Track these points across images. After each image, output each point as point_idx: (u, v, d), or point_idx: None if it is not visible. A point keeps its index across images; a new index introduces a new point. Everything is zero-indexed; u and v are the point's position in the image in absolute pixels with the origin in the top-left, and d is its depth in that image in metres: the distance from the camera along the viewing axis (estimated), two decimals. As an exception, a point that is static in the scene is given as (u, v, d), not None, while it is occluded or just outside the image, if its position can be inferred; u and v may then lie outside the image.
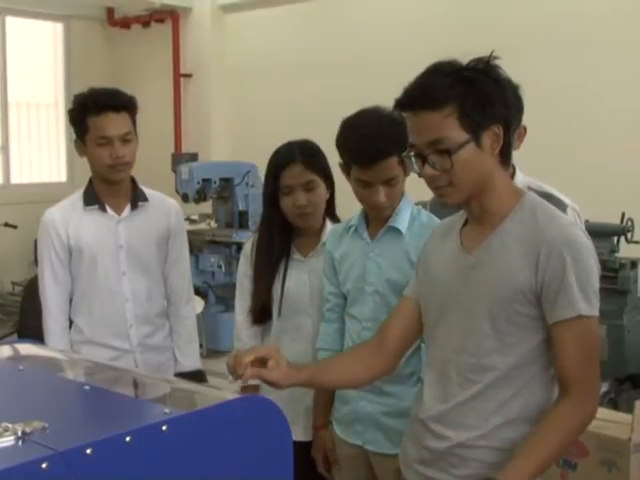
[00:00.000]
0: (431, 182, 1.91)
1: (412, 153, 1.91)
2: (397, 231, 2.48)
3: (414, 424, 2.09)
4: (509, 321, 1.87)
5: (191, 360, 3.14)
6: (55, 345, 2.86)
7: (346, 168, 2.47)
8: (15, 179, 8.60)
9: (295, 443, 1.47)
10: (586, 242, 1.86)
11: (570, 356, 1.82)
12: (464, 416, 1.93)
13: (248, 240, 2.93)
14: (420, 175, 1.92)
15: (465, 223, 2.03)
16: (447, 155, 1.83)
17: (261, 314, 2.80)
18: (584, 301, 1.81)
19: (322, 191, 2.72)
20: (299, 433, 2.66)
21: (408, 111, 1.90)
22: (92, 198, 2.98)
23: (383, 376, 2.25)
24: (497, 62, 1.91)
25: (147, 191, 3.08)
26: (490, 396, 1.90)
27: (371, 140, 2.34)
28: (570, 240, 1.84)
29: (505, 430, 1.90)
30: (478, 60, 1.89)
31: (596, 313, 1.85)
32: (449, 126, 1.83)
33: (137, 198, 3.02)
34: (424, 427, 2.02)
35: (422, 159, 1.88)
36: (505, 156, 1.92)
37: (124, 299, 2.98)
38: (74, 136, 2.98)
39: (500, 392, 1.89)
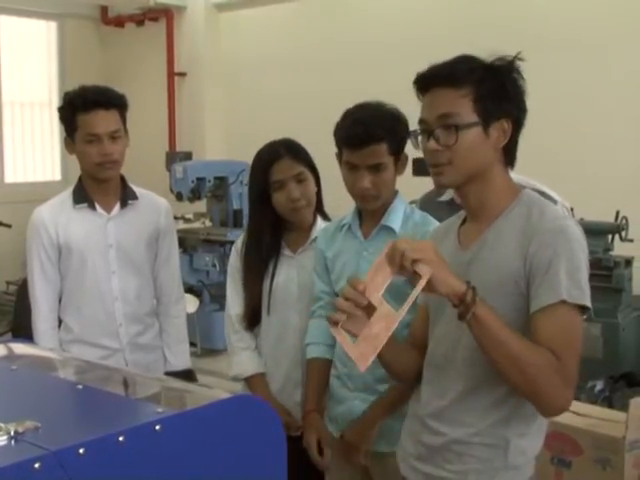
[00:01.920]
0: (432, 158, 1.92)
1: (420, 130, 1.94)
2: (390, 230, 2.48)
3: (411, 420, 2.10)
4: (503, 314, 1.86)
5: (181, 359, 3.14)
6: (44, 344, 2.85)
7: (339, 154, 2.49)
8: (9, 178, 8.59)
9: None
10: (578, 235, 1.85)
11: (554, 340, 1.76)
12: (460, 413, 1.94)
13: (240, 235, 2.94)
14: (423, 151, 1.94)
15: (463, 222, 2.05)
16: (454, 130, 1.86)
17: (253, 318, 2.80)
18: (574, 288, 1.78)
19: (312, 183, 2.74)
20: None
21: (426, 87, 1.92)
22: (81, 196, 2.97)
23: None
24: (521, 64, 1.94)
25: (137, 189, 3.07)
26: (485, 393, 1.91)
27: (363, 123, 2.39)
28: (561, 231, 1.83)
29: (499, 428, 1.91)
30: (502, 58, 1.93)
31: (585, 302, 1.79)
32: (462, 105, 1.87)
33: (127, 196, 3.01)
34: (421, 423, 2.03)
35: (428, 135, 1.91)
36: (509, 154, 1.95)
37: (113, 298, 2.98)
38: (65, 134, 2.98)
39: (494, 389, 1.90)
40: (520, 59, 1.93)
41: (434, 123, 1.89)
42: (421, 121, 1.94)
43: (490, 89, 1.88)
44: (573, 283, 1.79)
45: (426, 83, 1.93)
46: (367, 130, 2.37)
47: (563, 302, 1.78)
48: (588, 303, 1.81)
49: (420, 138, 1.94)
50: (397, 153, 2.44)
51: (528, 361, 1.75)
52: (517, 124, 1.93)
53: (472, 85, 1.87)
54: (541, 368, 1.75)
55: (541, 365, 1.75)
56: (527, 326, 1.84)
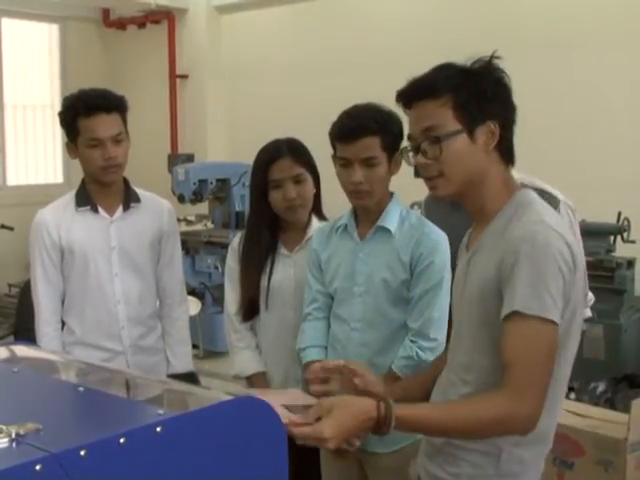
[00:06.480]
0: (424, 172, 1.92)
1: (409, 146, 1.94)
2: (387, 231, 2.48)
3: None
4: (487, 321, 1.84)
5: (183, 362, 3.14)
6: (47, 346, 2.85)
7: (335, 154, 2.50)
8: (11, 181, 8.59)
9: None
10: (547, 241, 1.76)
11: (508, 352, 1.74)
12: None
13: (237, 235, 2.95)
14: (415, 168, 1.95)
15: None
16: (437, 143, 1.85)
17: (250, 310, 2.81)
18: (531, 299, 1.72)
19: (310, 185, 2.76)
20: None
21: (409, 103, 1.92)
22: (84, 199, 2.97)
23: None
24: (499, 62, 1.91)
25: (139, 192, 3.07)
26: None
27: (356, 117, 2.43)
28: (530, 237, 1.76)
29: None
30: (480, 60, 1.91)
31: (543, 314, 1.72)
32: (443, 115, 1.86)
33: (129, 199, 3.01)
34: None
35: (416, 150, 1.91)
36: (505, 153, 1.92)
37: (116, 300, 2.98)
38: (66, 139, 2.97)
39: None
40: (497, 57, 1.90)
41: (419, 138, 1.90)
42: (409, 137, 1.95)
43: (469, 94, 1.85)
44: (532, 293, 1.72)
45: (407, 98, 1.92)
46: (360, 123, 2.41)
47: (517, 313, 1.73)
48: (549, 315, 1.73)
49: (411, 154, 1.94)
50: (390, 150, 2.44)
51: (478, 427, 1.77)
52: (506, 123, 1.90)
53: (450, 93, 1.85)
54: (492, 422, 1.75)
55: (486, 415, 1.74)
56: None
